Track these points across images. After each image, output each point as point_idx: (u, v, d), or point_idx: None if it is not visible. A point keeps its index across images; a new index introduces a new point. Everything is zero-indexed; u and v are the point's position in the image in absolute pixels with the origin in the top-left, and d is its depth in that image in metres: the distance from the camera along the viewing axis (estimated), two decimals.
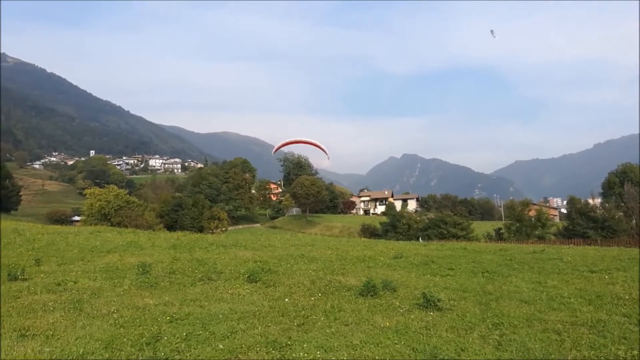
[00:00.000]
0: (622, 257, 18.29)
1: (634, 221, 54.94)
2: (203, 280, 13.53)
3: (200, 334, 8.14)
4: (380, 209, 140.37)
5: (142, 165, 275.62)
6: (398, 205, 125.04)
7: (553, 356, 7.06)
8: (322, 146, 28.44)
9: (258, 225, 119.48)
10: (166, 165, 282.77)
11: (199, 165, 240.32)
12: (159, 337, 7.90)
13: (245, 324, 8.86)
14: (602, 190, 74.98)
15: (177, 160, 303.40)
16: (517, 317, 9.37)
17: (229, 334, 8.22)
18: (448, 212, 77.19)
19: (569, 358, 6.98)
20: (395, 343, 7.75)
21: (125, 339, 7.82)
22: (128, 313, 9.57)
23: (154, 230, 44.12)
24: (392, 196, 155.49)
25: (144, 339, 7.83)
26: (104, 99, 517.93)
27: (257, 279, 13.35)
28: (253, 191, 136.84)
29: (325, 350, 7.37)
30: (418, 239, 48.34)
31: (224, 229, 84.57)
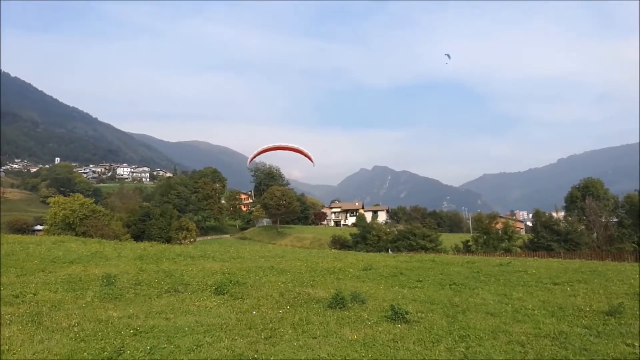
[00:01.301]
0: (584, 269, 18.84)
1: (595, 234, 56.72)
2: (169, 292, 13.26)
3: (164, 348, 7.95)
4: (351, 220, 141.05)
5: (109, 174, 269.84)
6: (368, 216, 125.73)
7: None
8: (307, 151, 25.97)
9: (227, 236, 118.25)
10: (134, 174, 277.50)
11: (168, 175, 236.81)
12: (121, 351, 7.68)
13: (211, 337, 8.70)
14: (565, 204, 77.13)
15: (146, 169, 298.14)
16: (483, 329, 9.49)
17: (195, 347, 8.05)
18: (417, 224, 77.98)
19: None
20: (363, 356, 7.74)
21: (85, 354, 7.57)
22: (90, 326, 9.28)
23: (120, 240, 43.09)
24: (363, 207, 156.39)
25: (106, 353, 7.60)
26: (71, 105, 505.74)
27: (225, 291, 13.16)
28: (223, 201, 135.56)
29: None
30: (387, 251, 48.65)
31: (192, 239, 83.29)
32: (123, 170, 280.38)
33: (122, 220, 76.76)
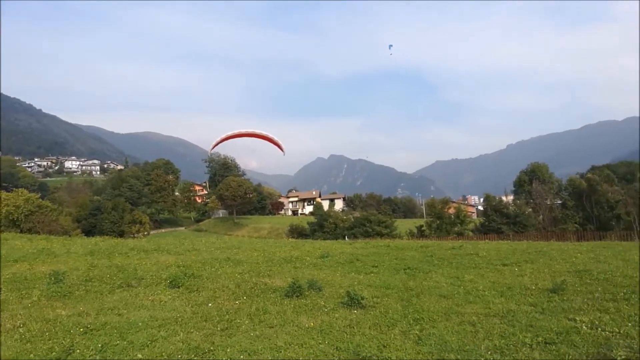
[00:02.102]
0: (530, 250, 19.65)
1: (541, 216, 59.21)
2: (122, 287, 12.93)
3: (117, 344, 7.76)
4: (308, 209, 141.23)
5: (56, 167, 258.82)
6: (325, 205, 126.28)
7: (468, 347, 7.40)
8: (276, 139, 24.42)
9: (182, 228, 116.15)
10: (83, 167, 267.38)
11: (119, 167, 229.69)
12: (70, 351, 7.44)
13: (166, 331, 8.56)
14: (514, 188, 79.97)
15: (96, 161, 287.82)
16: (436, 311, 9.76)
17: (149, 342, 7.90)
18: (373, 210, 79.00)
19: (482, 348, 7.35)
20: (320, 343, 7.81)
21: (32, 355, 7.29)
22: (36, 326, 8.92)
23: (70, 236, 41.65)
24: (320, 196, 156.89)
25: (54, 353, 7.35)
26: (12, 97, 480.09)
27: (180, 284, 12.95)
28: (177, 193, 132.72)
29: (249, 354, 7.28)
30: (344, 238, 49.13)
31: (146, 233, 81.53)
32: (71, 164, 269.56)
33: (72, 215, 74.26)
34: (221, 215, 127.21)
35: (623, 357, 6.24)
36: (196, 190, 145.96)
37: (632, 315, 8.61)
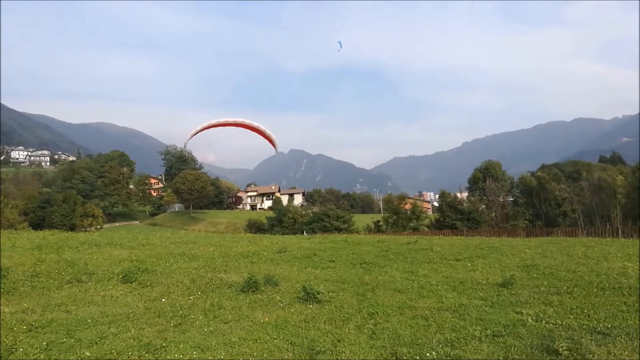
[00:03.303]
0: (483, 245, 20.23)
1: (494, 213, 61.13)
2: (71, 283, 12.48)
3: (63, 342, 7.50)
4: (267, 203, 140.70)
5: (1, 158, 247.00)
6: (285, 199, 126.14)
7: (420, 341, 7.56)
8: (268, 132, 21.25)
9: (137, 222, 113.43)
10: (32, 158, 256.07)
11: (71, 158, 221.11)
12: (13, 349, 7.13)
13: (116, 328, 8.34)
14: (468, 185, 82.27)
15: (45, 152, 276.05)
16: (390, 305, 9.92)
17: (98, 339, 7.68)
18: (332, 206, 79.48)
19: (433, 341, 7.52)
20: (274, 338, 7.80)
21: None
22: None
23: (16, 229, 39.86)
24: (279, 191, 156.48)
25: None
26: None
27: (133, 279, 12.64)
28: (131, 186, 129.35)
29: (202, 350, 7.19)
30: (303, 233, 49.22)
31: (98, 226, 79.18)
32: (18, 154, 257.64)
33: (19, 208, 71.16)
34: (177, 210, 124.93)
35: (564, 347, 6.53)
36: (152, 183, 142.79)
37: (574, 308, 9.02)
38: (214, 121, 20.80)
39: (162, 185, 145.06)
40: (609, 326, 7.71)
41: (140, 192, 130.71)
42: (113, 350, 7.14)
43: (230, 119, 20.96)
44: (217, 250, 20.10)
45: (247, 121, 21.53)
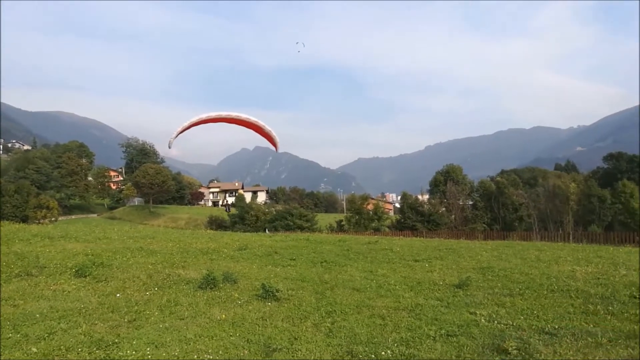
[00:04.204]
0: (441, 247, 20.61)
1: (453, 215, 62.46)
2: (21, 276, 12.00)
3: (9, 337, 7.22)
4: (230, 200, 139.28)
5: None
6: (248, 197, 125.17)
7: (376, 339, 7.64)
8: (267, 128, 17.98)
9: (95, 215, 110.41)
10: None
11: (26, 147, 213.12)
12: None
13: (67, 323, 8.08)
14: (429, 187, 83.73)
15: None
16: (348, 304, 9.98)
17: (46, 335, 7.42)
18: (295, 204, 79.49)
19: (389, 340, 7.62)
20: (231, 335, 7.74)
21: None
22: None
23: None
24: (243, 188, 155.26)
25: None
26: None
27: (87, 274, 12.26)
28: (90, 178, 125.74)
29: (156, 346, 7.06)
30: (265, 231, 48.99)
31: (53, 219, 76.52)
32: None
33: None
34: (137, 204, 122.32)
35: (514, 347, 6.74)
36: (111, 175, 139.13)
37: (525, 309, 9.30)
38: (204, 116, 17.10)
39: (122, 179, 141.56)
40: (556, 327, 7.99)
41: (99, 185, 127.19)
42: (62, 347, 6.92)
43: (224, 113, 17.44)
44: (176, 245, 19.76)
45: (244, 116, 17.89)
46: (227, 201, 47.51)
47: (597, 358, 6.42)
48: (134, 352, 6.77)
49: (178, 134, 18.52)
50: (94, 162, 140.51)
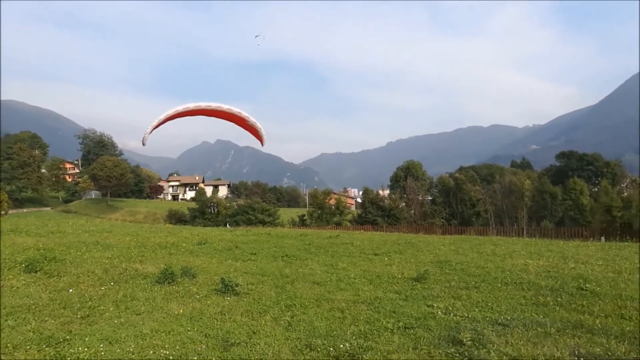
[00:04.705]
0: (400, 241, 20.93)
1: (413, 210, 63.57)
2: None
3: None
4: (190, 194, 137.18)
5: None
6: (209, 191, 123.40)
7: (335, 332, 7.69)
8: (252, 120, 16.00)
9: (48, 209, 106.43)
10: None
11: None
12: None
13: (15, 320, 7.78)
14: (390, 183, 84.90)
15: None
16: (308, 298, 10.01)
17: None
18: (257, 199, 78.90)
19: (348, 333, 7.68)
20: (188, 330, 7.63)
21: None
22: None
23: None
24: (204, 182, 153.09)
25: None
26: None
27: (38, 269, 11.82)
28: (43, 170, 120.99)
29: (110, 343, 6.88)
30: (226, 225, 48.51)
31: (3, 212, 73.33)
32: None
33: None
34: (93, 197, 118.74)
35: (468, 338, 6.91)
36: (66, 168, 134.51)
37: (480, 302, 9.56)
38: (180, 108, 14.86)
39: (78, 171, 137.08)
40: (509, 318, 8.24)
41: (53, 177, 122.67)
42: (9, 344, 6.65)
43: (203, 104, 15.29)
44: (133, 240, 19.30)
45: (225, 107, 15.78)
46: (213, 202, 45.67)
47: (545, 347, 6.66)
48: (86, 349, 6.57)
49: (153, 129, 16.45)
50: (48, 153, 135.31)
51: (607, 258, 15.02)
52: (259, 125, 15.68)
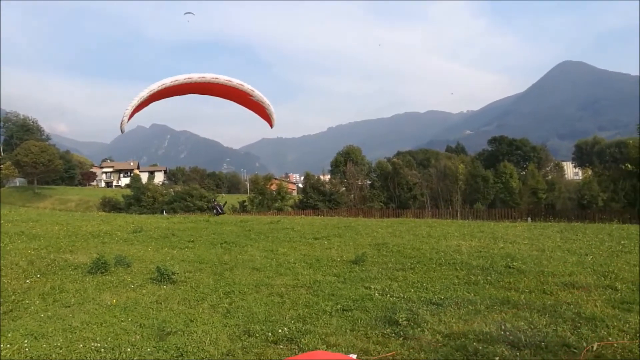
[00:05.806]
0: (340, 225, 21.21)
1: (352, 195, 64.59)
2: None
3: None
4: (125, 181, 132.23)
5: None
6: (144, 177, 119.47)
7: (274, 317, 7.70)
8: (259, 95, 11.39)
9: None
10: None
11: None
12: None
13: None
14: (330, 168, 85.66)
15: None
16: (247, 284, 9.95)
17: None
18: (196, 185, 77.27)
19: (287, 317, 7.70)
20: (122, 320, 7.39)
21: None
22: None
23: None
24: (139, 168, 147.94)
25: None
26: None
27: None
28: None
29: (36, 338, 6.54)
30: (162, 212, 47.25)
31: None
32: None
33: None
34: (18, 185, 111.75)
35: (404, 318, 7.13)
36: None
37: (415, 282, 9.88)
38: (168, 81, 10.27)
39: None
40: (442, 297, 8.58)
41: None
42: None
43: (195, 76, 10.74)
44: (63, 229, 18.43)
45: (223, 78, 10.93)
46: (217, 203, 39.85)
47: (475, 324, 6.99)
48: (8, 346, 6.21)
49: (133, 113, 11.87)
50: None
51: (532, 237, 15.93)
52: (266, 101, 11.47)
